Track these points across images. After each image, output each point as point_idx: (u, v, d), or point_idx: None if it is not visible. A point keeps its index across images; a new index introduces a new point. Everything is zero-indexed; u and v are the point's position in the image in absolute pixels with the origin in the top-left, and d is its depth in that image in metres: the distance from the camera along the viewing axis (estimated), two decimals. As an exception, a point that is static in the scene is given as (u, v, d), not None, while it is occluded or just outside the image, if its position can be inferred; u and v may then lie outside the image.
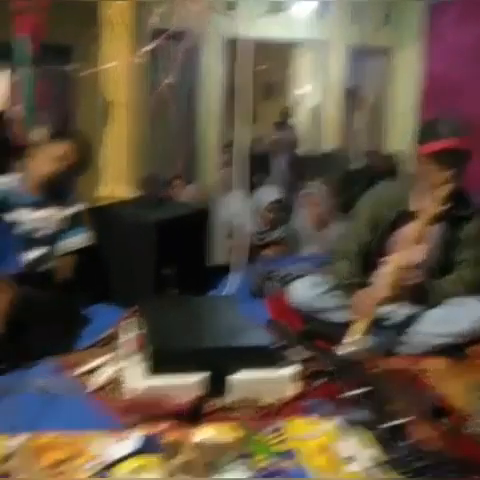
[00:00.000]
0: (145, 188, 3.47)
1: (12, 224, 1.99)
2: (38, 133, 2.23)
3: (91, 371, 1.66)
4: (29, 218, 2.01)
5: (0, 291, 1.75)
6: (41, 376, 1.60)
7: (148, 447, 1.22)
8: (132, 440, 1.23)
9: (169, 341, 1.47)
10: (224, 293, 2.43)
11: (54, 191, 2.09)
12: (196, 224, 2.71)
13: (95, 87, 4.07)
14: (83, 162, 2.16)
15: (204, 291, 2.46)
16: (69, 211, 2.14)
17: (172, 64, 4.47)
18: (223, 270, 2.69)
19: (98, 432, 1.30)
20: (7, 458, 1.19)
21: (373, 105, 5.96)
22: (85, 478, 1.15)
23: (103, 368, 1.65)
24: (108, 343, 1.88)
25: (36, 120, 3.59)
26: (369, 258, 1.95)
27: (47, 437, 1.27)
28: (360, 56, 5.61)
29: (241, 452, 1.22)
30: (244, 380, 1.44)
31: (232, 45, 5.16)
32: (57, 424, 1.34)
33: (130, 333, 1.73)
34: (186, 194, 3.92)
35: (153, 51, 4.09)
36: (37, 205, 2.04)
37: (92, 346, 1.87)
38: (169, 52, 4.43)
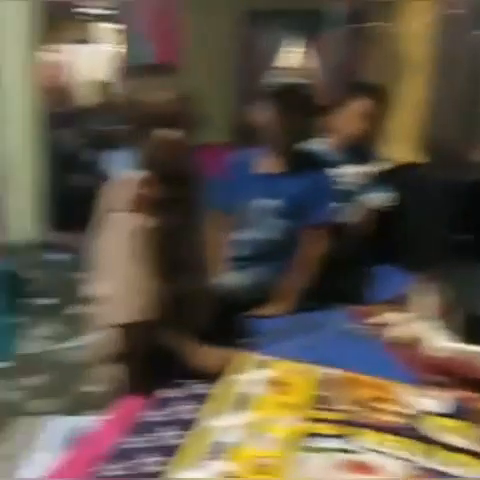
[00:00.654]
0: (436, 151, 3.33)
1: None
2: (342, 91, 2.29)
3: (383, 325, 1.71)
4: (338, 174, 2.10)
5: (319, 239, 1.90)
6: (340, 319, 1.72)
7: (458, 411, 1.21)
8: (442, 400, 1.23)
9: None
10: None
11: (360, 148, 2.15)
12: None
13: (390, 46, 4.02)
14: (384, 119, 2.15)
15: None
16: (374, 168, 2.17)
17: (469, 22, 4.11)
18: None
19: (401, 382, 1.33)
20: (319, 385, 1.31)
21: None
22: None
23: (398, 325, 1.68)
24: (398, 303, 1.89)
25: (338, 80, 3.74)
26: None
27: (354, 375, 1.34)
28: None
29: None
30: None
31: None
32: (355, 365, 1.37)
33: (427, 297, 1.71)
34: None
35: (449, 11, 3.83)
36: (345, 162, 2.13)
37: (382, 303, 1.90)
38: (467, 10, 4.08)
